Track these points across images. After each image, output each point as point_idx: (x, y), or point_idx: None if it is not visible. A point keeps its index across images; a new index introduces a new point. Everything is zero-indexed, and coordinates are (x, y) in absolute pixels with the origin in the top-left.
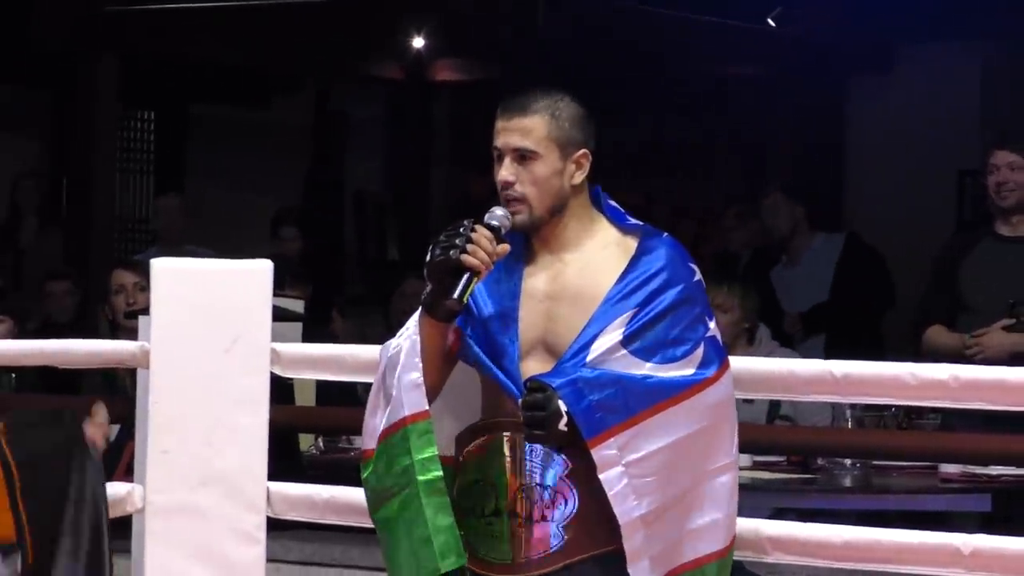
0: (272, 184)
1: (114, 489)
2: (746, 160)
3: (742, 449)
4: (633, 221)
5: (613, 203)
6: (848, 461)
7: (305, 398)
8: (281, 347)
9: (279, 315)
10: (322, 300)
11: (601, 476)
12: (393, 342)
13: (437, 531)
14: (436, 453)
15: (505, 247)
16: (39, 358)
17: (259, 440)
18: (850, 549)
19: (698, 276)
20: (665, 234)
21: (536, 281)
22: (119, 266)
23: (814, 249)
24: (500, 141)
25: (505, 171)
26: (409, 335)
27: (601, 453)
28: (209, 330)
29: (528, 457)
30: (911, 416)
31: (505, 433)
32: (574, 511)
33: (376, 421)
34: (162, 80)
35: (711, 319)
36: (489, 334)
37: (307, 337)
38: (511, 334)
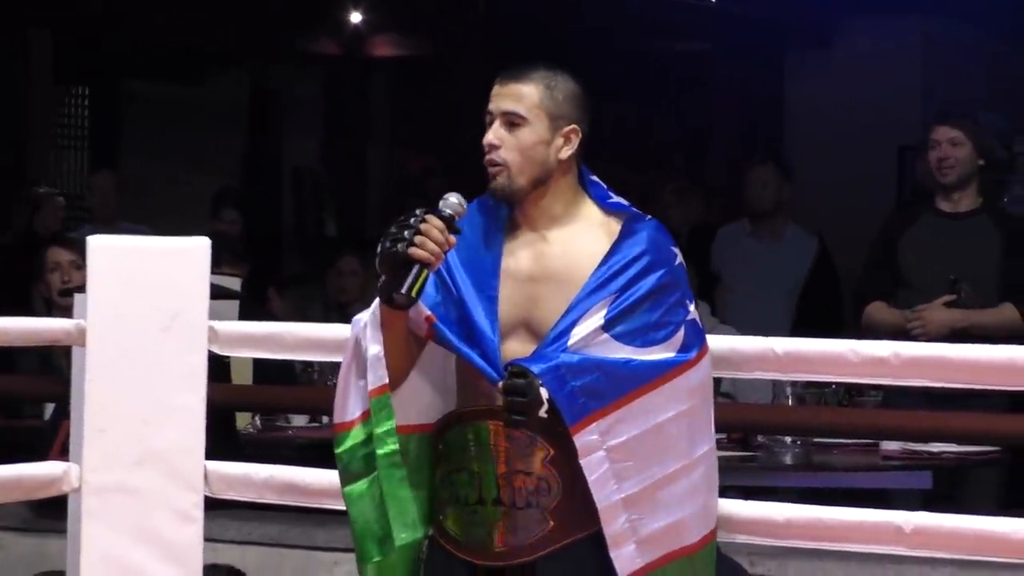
0: (208, 161)
1: (49, 468)
2: (687, 137)
3: None
4: (615, 200)
5: (596, 179)
6: (789, 439)
7: (242, 376)
8: (219, 325)
9: (216, 293)
10: (259, 278)
11: (582, 461)
12: (363, 315)
13: (394, 502)
14: (393, 425)
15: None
16: None
17: (197, 419)
18: (792, 527)
19: (680, 259)
20: (648, 216)
21: (518, 259)
22: (54, 243)
23: (789, 236)
24: (492, 104)
25: (492, 134)
26: (372, 309)
27: (583, 439)
28: (146, 308)
29: (510, 444)
30: (852, 393)
31: (487, 421)
32: (559, 497)
33: (349, 395)
34: (96, 56)
35: (691, 302)
36: (466, 313)
37: (244, 315)
38: (490, 315)
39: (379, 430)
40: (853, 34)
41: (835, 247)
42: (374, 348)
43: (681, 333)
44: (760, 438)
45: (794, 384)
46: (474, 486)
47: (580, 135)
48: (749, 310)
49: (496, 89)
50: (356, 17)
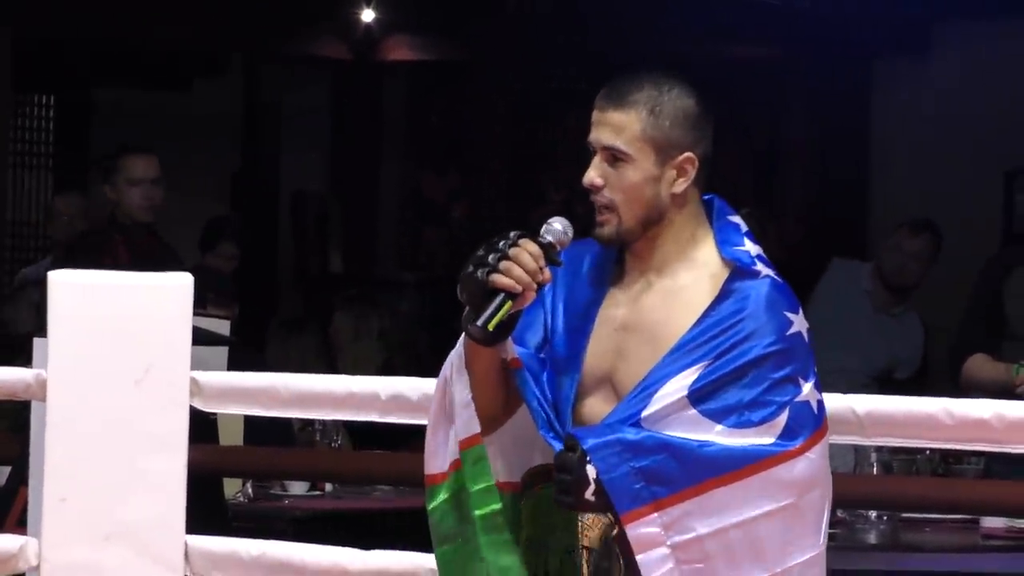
0: (193, 183)
1: (5, 543)
2: (754, 157)
3: None
4: (738, 249)
5: (735, 219)
6: (873, 514)
7: (231, 436)
8: (203, 376)
9: (201, 338)
10: (252, 320)
11: (639, 558)
12: (456, 349)
13: (498, 572)
14: (492, 482)
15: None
16: None
17: (175, 486)
18: None
19: (797, 327)
20: (765, 272)
21: (616, 304)
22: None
23: (896, 316)
24: (592, 135)
25: (593, 171)
26: (457, 346)
27: (638, 531)
28: (117, 356)
29: (580, 517)
30: (948, 461)
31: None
32: None
33: (439, 443)
34: (62, 59)
35: (807, 380)
36: (554, 359)
37: (234, 364)
38: (573, 367)
39: (475, 487)
40: (954, 39)
41: (929, 290)
42: (461, 392)
43: (784, 416)
44: (840, 513)
45: (880, 450)
46: (540, 556)
47: (697, 163)
48: (819, 368)
49: (595, 116)
50: (368, 15)
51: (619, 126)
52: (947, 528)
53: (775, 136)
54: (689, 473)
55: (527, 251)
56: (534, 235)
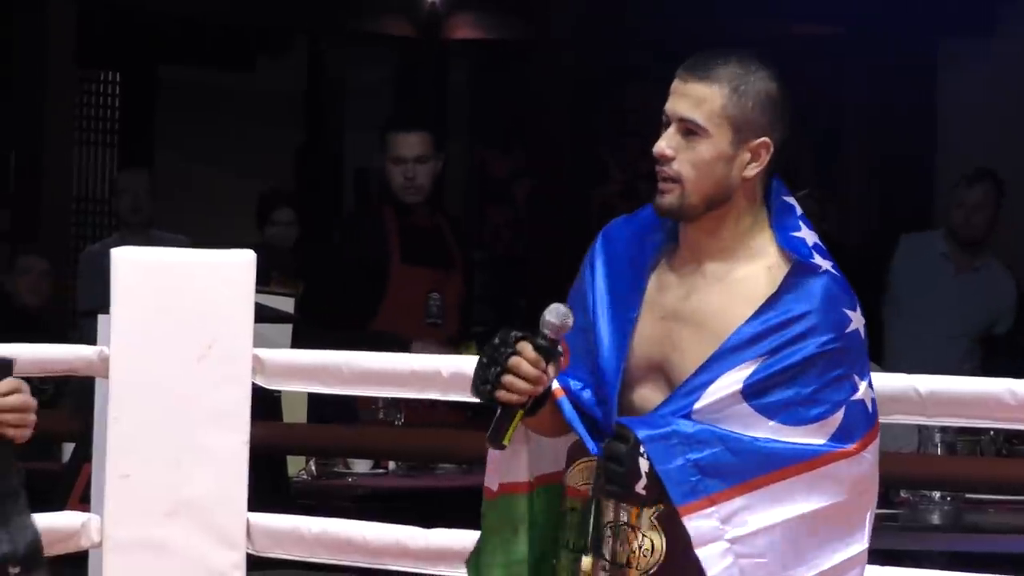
0: (257, 160)
1: (67, 520)
2: (816, 138)
3: None
4: (798, 236)
5: (792, 202)
6: (937, 494)
7: (294, 414)
8: (265, 353)
9: (264, 315)
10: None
11: (699, 552)
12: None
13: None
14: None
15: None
16: None
17: (238, 463)
18: None
19: (856, 325)
20: (825, 266)
21: (666, 290)
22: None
23: (985, 270)
24: (668, 104)
25: (664, 141)
26: None
27: (696, 523)
28: (179, 333)
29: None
30: (1012, 441)
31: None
32: (660, 561)
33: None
34: (127, 36)
35: (863, 379)
36: (595, 345)
37: (297, 342)
38: (618, 354)
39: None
40: (1019, 17)
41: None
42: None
43: (840, 415)
44: (903, 493)
45: (944, 431)
46: (582, 531)
47: (772, 150)
48: (919, 343)
49: (675, 85)
50: None
51: (700, 98)
52: (1010, 509)
53: (837, 115)
54: (744, 468)
55: (526, 359)
56: (534, 329)
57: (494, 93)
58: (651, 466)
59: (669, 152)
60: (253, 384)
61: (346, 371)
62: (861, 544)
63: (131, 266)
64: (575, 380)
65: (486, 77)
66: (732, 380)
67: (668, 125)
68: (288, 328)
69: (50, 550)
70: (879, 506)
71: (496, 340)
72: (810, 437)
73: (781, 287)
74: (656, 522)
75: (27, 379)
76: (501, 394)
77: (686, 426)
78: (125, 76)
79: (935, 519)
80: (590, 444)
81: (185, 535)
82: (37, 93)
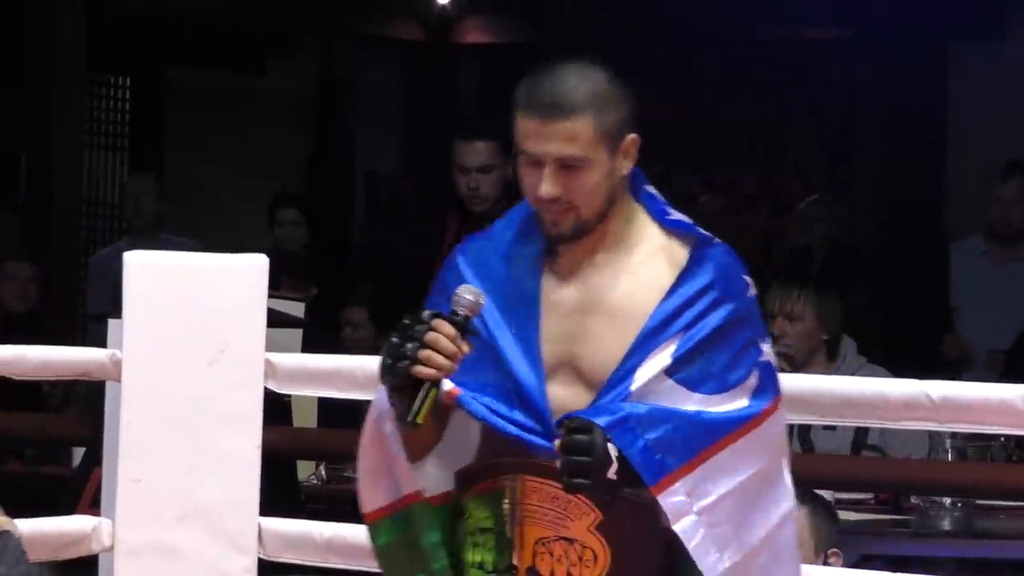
0: (267, 164)
1: (78, 523)
2: (826, 140)
3: (822, 484)
4: (676, 218)
5: (651, 189)
6: (947, 500)
7: (305, 418)
8: (277, 357)
9: (275, 320)
10: (327, 302)
11: (676, 528)
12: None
13: None
14: (439, 539)
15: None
16: None
17: (249, 468)
18: None
19: (752, 290)
20: (716, 240)
21: (561, 288)
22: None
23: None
24: (538, 148)
25: (548, 186)
26: (382, 395)
27: (669, 500)
28: (192, 337)
29: (549, 504)
30: (1023, 447)
31: (519, 476)
32: (606, 569)
33: (378, 477)
34: (137, 40)
35: (765, 341)
36: (502, 359)
37: (308, 346)
38: (532, 359)
39: (427, 541)
40: None
41: None
42: (396, 444)
43: (755, 377)
44: (913, 499)
45: (954, 436)
46: (502, 550)
47: (639, 141)
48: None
49: (534, 127)
50: None
51: (570, 135)
52: (1021, 515)
53: (848, 118)
54: (695, 441)
55: (443, 334)
56: (442, 312)
57: (504, 97)
58: (618, 451)
59: (556, 194)
60: (265, 388)
61: (359, 375)
62: (791, 499)
63: (143, 270)
64: (465, 391)
65: (496, 81)
66: (658, 360)
67: (537, 164)
68: (299, 333)
69: (60, 554)
70: (890, 512)
71: (407, 319)
72: (735, 402)
73: (688, 263)
74: (595, 532)
75: (38, 383)
76: (419, 369)
77: (638, 408)
78: (135, 79)
79: (945, 525)
80: (535, 441)
81: (196, 539)
82: (47, 97)
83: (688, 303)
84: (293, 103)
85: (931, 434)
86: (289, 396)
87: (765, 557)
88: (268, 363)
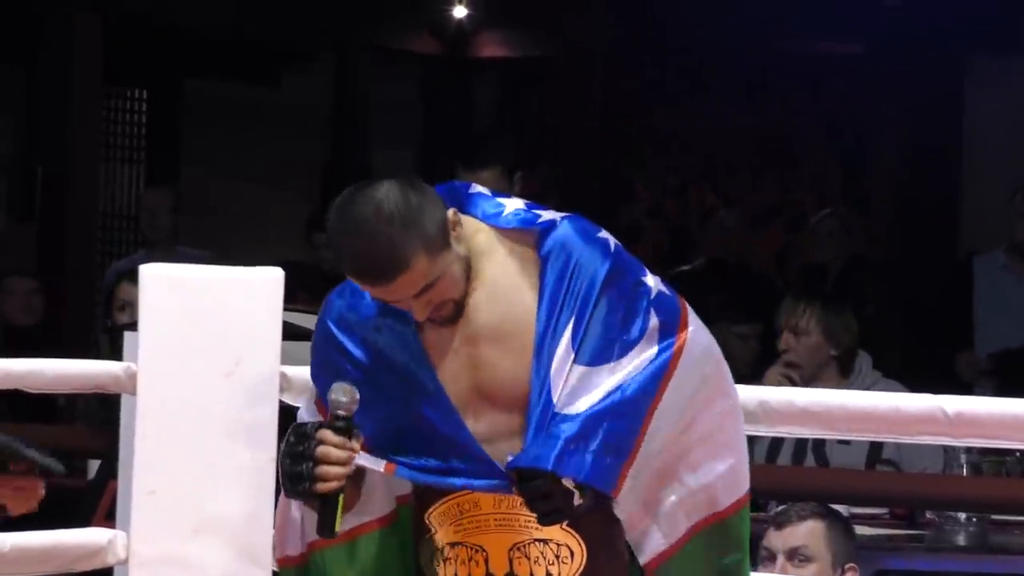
0: (284, 176)
1: (92, 536)
2: (844, 155)
3: (837, 499)
4: (509, 213)
5: (477, 190)
6: (962, 515)
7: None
8: (292, 371)
9: (291, 333)
10: None
11: (617, 512)
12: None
13: None
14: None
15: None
16: (4, 380)
17: (265, 480)
18: None
19: (613, 241)
20: (556, 217)
21: (438, 327)
22: (128, 278)
23: None
24: (387, 299)
25: (417, 311)
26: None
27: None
28: (207, 349)
29: (518, 509)
30: None
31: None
32: (582, 564)
33: (287, 524)
34: (153, 52)
35: (645, 274)
36: (414, 413)
37: None
38: (443, 407)
39: None
40: None
41: None
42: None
43: (654, 318)
44: (928, 514)
45: (969, 451)
46: (477, 561)
47: (458, 213)
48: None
49: (374, 291)
50: (460, 12)
51: (409, 282)
52: None
53: (863, 132)
54: (632, 421)
55: (331, 444)
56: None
57: (521, 111)
58: (573, 480)
59: (428, 312)
60: (281, 401)
61: None
62: (729, 397)
63: (159, 282)
64: (389, 451)
65: (513, 95)
66: (563, 356)
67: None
68: None
69: (75, 567)
70: (905, 527)
71: (291, 438)
72: (646, 352)
73: (541, 259)
74: (568, 529)
75: (53, 395)
76: (320, 486)
77: (570, 427)
78: (152, 92)
79: (960, 540)
80: (486, 485)
81: (211, 552)
82: (64, 109)
83: (563, 293)
84: (309, 116)
85: (946, 449)
86: None
87: (699, 451)
88: (283, 376)
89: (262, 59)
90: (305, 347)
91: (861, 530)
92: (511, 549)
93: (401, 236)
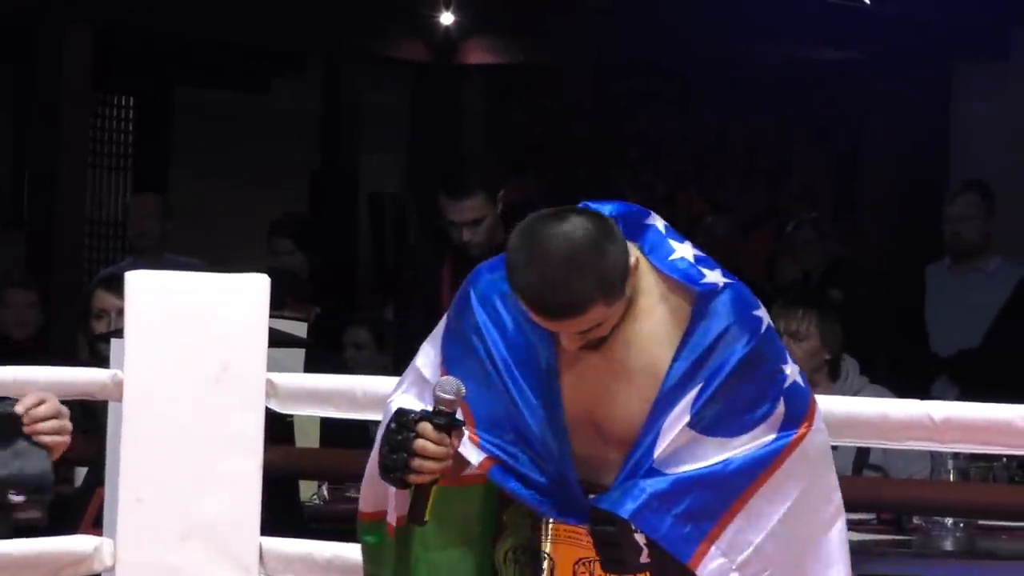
0: (271, 183)
1: (79, 543)
2: (833, 162)
3: None
4: (674, 260)
5: (653, 222)
6: (949, 520)
7: (307, 438)
8: (279, 378)
9: (277, 340)
10: (330, 322)
11: None
12: (396, 397)
13: None
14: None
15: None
16: None
17: (251, 487)
18: None
19: (767, 322)
20: (720, 282)
21: (577, 350)
22: (102, 286)
23: (994, 269)
24: (564, 338)
25: (570, 343)
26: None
27: (708, 568)
28: (193, 356)
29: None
30: None
31: None
32: None
33: (372, 487)
34: (142, 59)
35: (787, 363)
36: (523, 425)
37: (311, 367)
38: (556, 430)
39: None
40: None
41: None
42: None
43: (781, 407)
44: (915, 519)
45: (956, 457)
46: (545, 570)
47: (635, 256)
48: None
49: (544, 322)
50: (447, 18)
51: (584, 322)
52: (1023, 536)
53: (855, 140)
54: (723, 497)
55: (429, 439)
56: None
57: (509, 117)
58: (646, 536)
59: (580, 344)
60: (267, 408)
61: (360, 395)
62: (835, 502)
63: (145, 289)
64: (495, 442)
65: (501, 102)
66: (678, 416)
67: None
68: (301, 353)
69: (63, 574)
70: (892, 532)
71: (393, 424)
72: (762, 437)
73: (693, 316)
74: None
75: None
76: (413, 478)
77: (659, 484)
78: (139, 98)
79: (947, 545)
80: (561, 517)
81: (198, 559)
82: (52, 115)
83: (701, 358)
84: (298, 123)
85: (933, 454)
86: (291, 416)
87: (813, 563)
88: (270, 383)
89: (250, 66)
90: (292, 353)
91: (848, 535)
92: (577, 563)
93: (585, 284)
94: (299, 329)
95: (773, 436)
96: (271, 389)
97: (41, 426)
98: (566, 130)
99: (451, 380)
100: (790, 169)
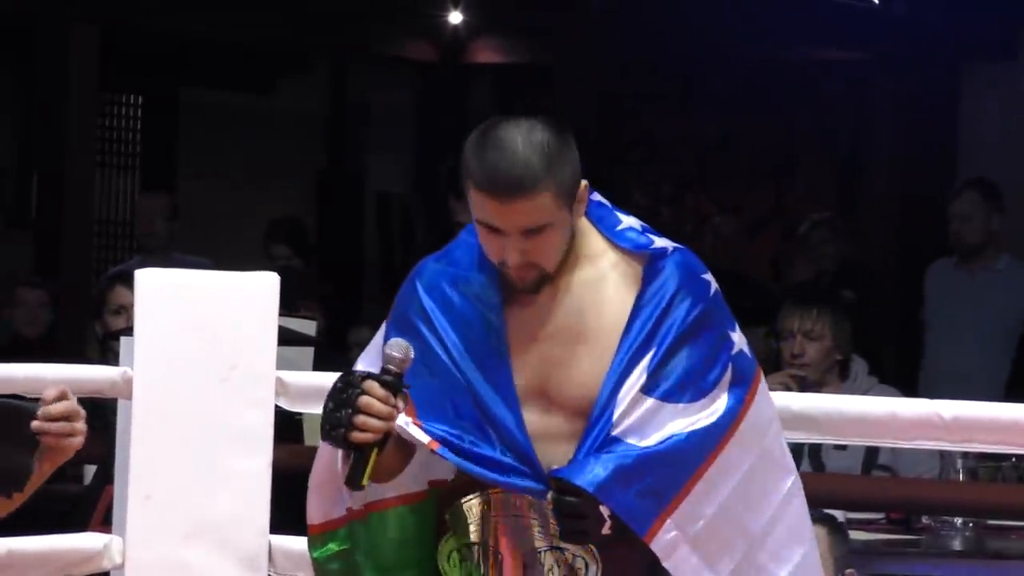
0: (278, 183)
1: (89, 541)
2: (837, 163)
3: (834, 504)
4: (625, 228)
5: (599, 198)
6: (958, 520)
7: (317, 437)
8: (288, 376)
9: (286, 338)
10: (338, 321)
11: (666, 564)
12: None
13: None
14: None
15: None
16: (3, 385)
17: (260, 485)
18: None
19: (715, 287)
20: (669, 246)
21: (524, 316)
22: (121, 282)
23: (1002, 268)
24: (500, 223)
25: (514, 256)
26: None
27: (662, 541)
28: (203, 355)
29: (538, 515)
30: None
31: (500, 491)
32: (599, 570)
33: (320, 498)
34: (150, 59)
35: (734, 330)
36: (477, 398)
37: (320, 365)
38: (508, 398)
39: (360, 556)
40: None
41: None
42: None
43: (729, 372)
44: (925, 519)
45: (966, 456)
46: (492, 564)
47: (588, 185)
48: (959, 358)
49: (492, 206)
50: (456, 18)
51: (532, 209)
52: None
53: (860, 140)
54: (682, 471)
55: (375, 396)
56: (372, 373)
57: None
58: (609, 510)
59: (522, 261)
60: (276, 406)
61: None
62: (792, 473)
63: (155, 288)
64: (440, 427)
65: (508, 101)
66: (633, 383)
67: (498, 231)
68: (310, 351)
69: (72, 572)
70: (901, 532)
71: (339, 383)
72: (715, 402)
73: (644, 280)
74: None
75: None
76: (356, 435)
77: (624, 458)
78: (147, 98)
79: (956, 545)
80: (523, 485)
81: (207, 557)
82: (59, 115)
83: (652, 318)
84: (304, 123)
85: (942, 454)
86: (300, 414)
87: (775, 537)
88: (279, 381)
89: (258, 66)
90: (302, 351)
91: (856, 535)
92: (527, 554)
93: (541, 164)
94: (308, 328)
95: (725, 399)
96: (280, 387)
97: (50, 426)
98: (571, 129)
99: (400, 341)
100: (795, 170)
